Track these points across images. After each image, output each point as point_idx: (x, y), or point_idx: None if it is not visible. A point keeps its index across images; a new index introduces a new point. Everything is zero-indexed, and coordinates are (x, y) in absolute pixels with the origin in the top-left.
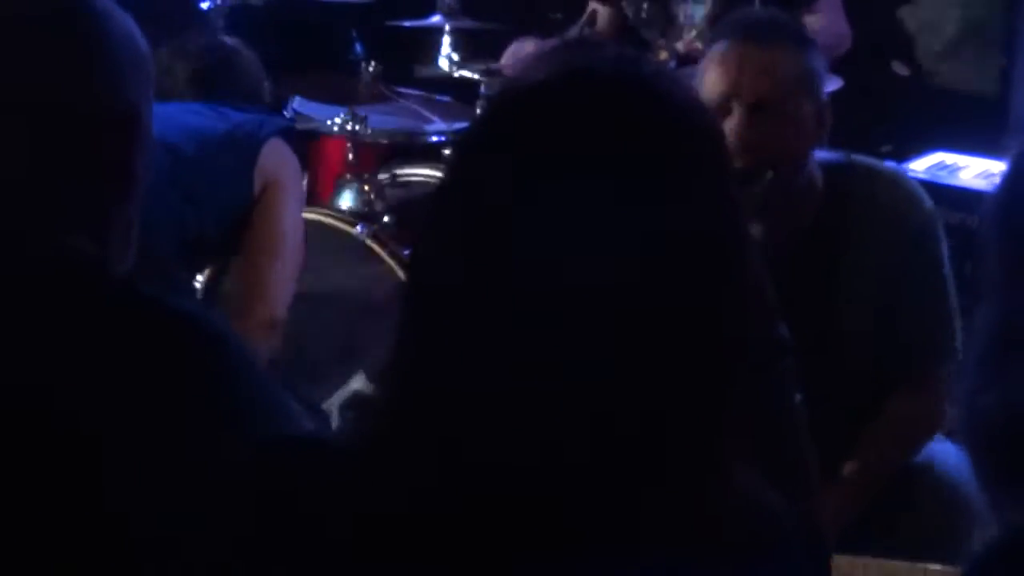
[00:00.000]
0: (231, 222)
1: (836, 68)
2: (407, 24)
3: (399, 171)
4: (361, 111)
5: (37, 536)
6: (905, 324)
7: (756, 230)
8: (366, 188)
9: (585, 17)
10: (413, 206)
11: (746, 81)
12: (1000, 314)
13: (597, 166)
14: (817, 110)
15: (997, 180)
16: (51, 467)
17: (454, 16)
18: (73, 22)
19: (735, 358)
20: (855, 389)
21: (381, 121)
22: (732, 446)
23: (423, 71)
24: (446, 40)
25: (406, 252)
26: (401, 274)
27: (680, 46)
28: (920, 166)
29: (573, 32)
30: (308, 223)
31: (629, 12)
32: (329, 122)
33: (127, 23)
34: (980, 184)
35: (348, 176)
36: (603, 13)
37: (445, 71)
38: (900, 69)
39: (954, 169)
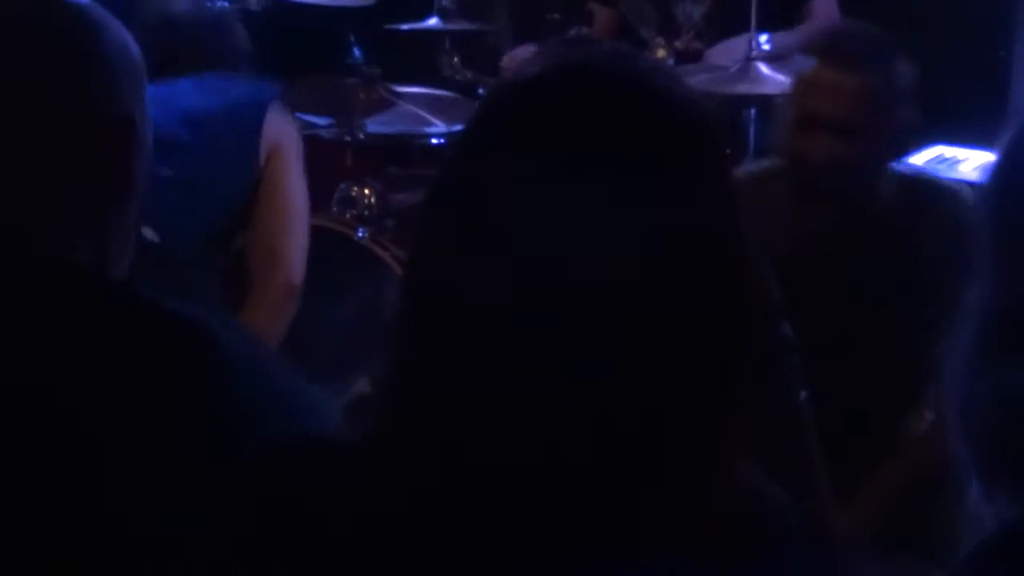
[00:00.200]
0: (244, 199)
1: None
2: (405, 27)
3: (399, 174)
4: (360, 115)
5: (37, 537)
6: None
7: (831, 243)
8: (366, 192)
9: (584, 18)
10: (414, 209)
11: (831, 106)
12: (993, 300)
13: (594, 163)
14: (899, 127)
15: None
16: (50, 469)
17: (452, 19)
18: (69, 32)
19: (736, 356)
20: (896, 391)
21: (380, 124)
22: (734, 445)
23: (422, 74)
24: (444, 43)
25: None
26: None
27: (679, 44)
28: (919, 159)
29: (571, 32)
30: (313, 229)
31: (626, 12)
32: (328, 126)
33: (121, 33)
34: (979, 177)
35: (348, 180)
36: (600, 13)
37: (444, 73)
38: None
39: (953, 162)
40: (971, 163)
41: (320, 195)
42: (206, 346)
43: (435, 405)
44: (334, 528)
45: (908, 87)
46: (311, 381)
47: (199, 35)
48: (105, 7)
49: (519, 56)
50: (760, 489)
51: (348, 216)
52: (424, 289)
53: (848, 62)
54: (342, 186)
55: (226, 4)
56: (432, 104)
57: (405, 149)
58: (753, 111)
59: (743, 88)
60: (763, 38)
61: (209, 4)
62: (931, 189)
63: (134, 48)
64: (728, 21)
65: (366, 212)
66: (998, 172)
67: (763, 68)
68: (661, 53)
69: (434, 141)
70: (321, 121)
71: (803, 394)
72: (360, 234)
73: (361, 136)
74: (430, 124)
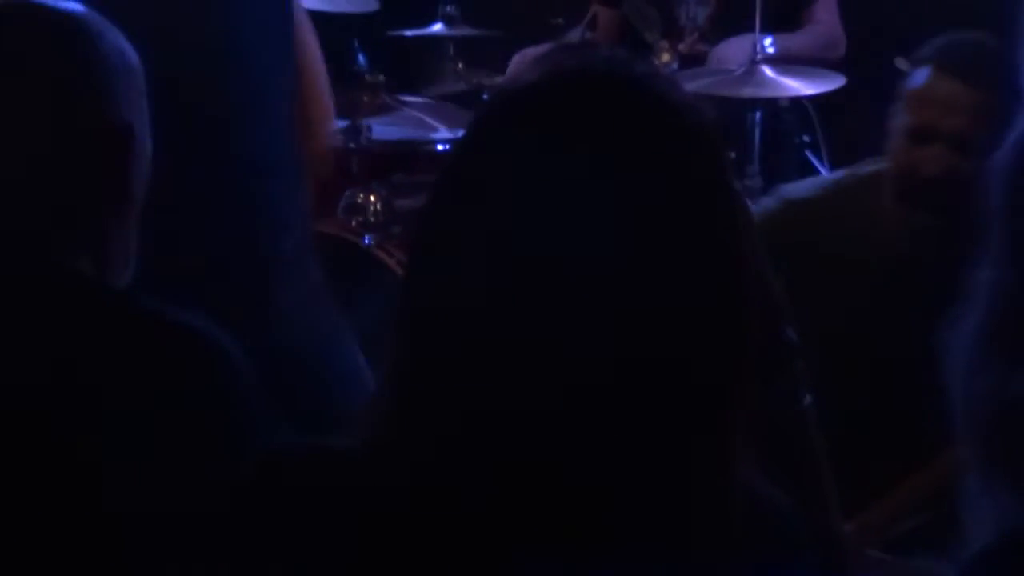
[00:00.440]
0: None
1: (837, 65)
2: (409, 34)
3: (405, 180)
4: (365, 121)
5: (36, 543)
6: None
7: (932, 253)
8: (372, 198)
9: (586, 21)
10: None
11: (946, 119)
12: (999, 289)
13: (592, 166)
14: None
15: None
16: (48, 475)
17: (455, 24)
18: (67, 39)
19: (736, 356)
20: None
21: (385, 131)
22: (736, 447)
23: (426, 80)
24: (449, 48)
25: None
26: None
27: (683, 47)
28: None
29: (574, 36)
30: (316, 235)
31: (630, 16)
32: (333, 134)
33: (119, 40)
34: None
35: (354, 187)
36: (604, 17)
37: (448, 79)
38: (903, 65)
39: None
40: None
41: (326, 202)
42: (208, 356)
43: (436, 407)
44: (336, 531)
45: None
46: None
47: None
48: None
49: (525, 58)
50: (762, 492)
51: (354, 223)
52: (425, 290)
53: (968, 75)
54: (348, 193)
55: None
56: (436, 109)
57: (410, 155)
58: (758, 114)
59: (748, 91)
60: (767, 41)
61: None
62: None
63: (132, 55)
64: (732, 23)
65: (372, 219)
66: (1008, 158)
67: (768, 71)
68: (665, 57)
69: (439, 147)
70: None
71: (807, 398)
72: (366, 241)
73: (366, 143)
74: (435, 130)
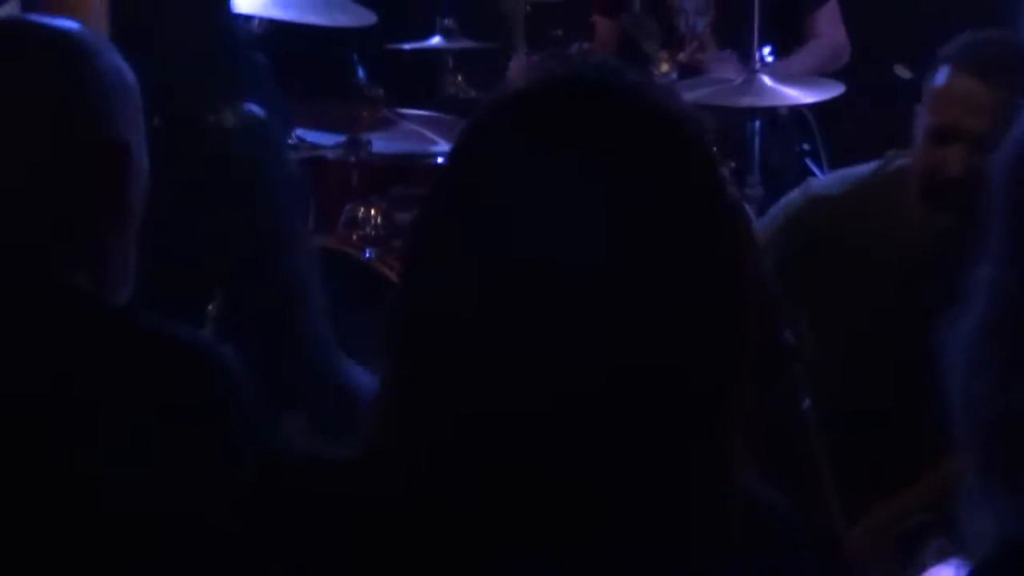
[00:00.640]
0: None
1: (838, 72)
2: (408, 47)
3: (404, 194)
4: (365, 136)
5: (36, 555)
6: None
7: (953, 251)
8: (372, 212)
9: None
10: None
11: (968, 119)
12: (999, 286)
13: (583, 173)
14: None
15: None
16: (48, 493)
17: (454, 37)
18: (64, 58)
19: (735, 360)
20: None
21: (385, 145)
22: (734, 450)
23: (426, 93)
24: (448, 61)
25: None
26: None
27: (682, 56)
28: None
29: (573, 47)
30: (321, 250)
31: (629, 27)
32: (333, 148)
33: (116, 58)
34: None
35: (354, 201)
36: (603, 27)
37: (447, 92)
38: (902, 72)
39: None
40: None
41: (327, 216)
42: (208, 369)
43: (431, 413)
44: (335, 536)
45: None
46: None
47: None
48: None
49: (520, 65)
50: (761, 495)
51: (355, 237)
52: (418, 297)
53: (988, 74)
54: (348, 207)
55: None
56: (436, 123)
57: (410, 169)
58: (757, 123)
59: (747, 100)
60: (766, 50)
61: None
62: None
63: (128, 73)
64: (732, 33)
65: (372, 232)
66: (1010, 156)
67: (767, 81)
68: (665, 67)
69: (439, 160)
70: (326, 142)
71: (807, 402)
72: (367, 254)
73: (366, 156)
74: (434, 143)
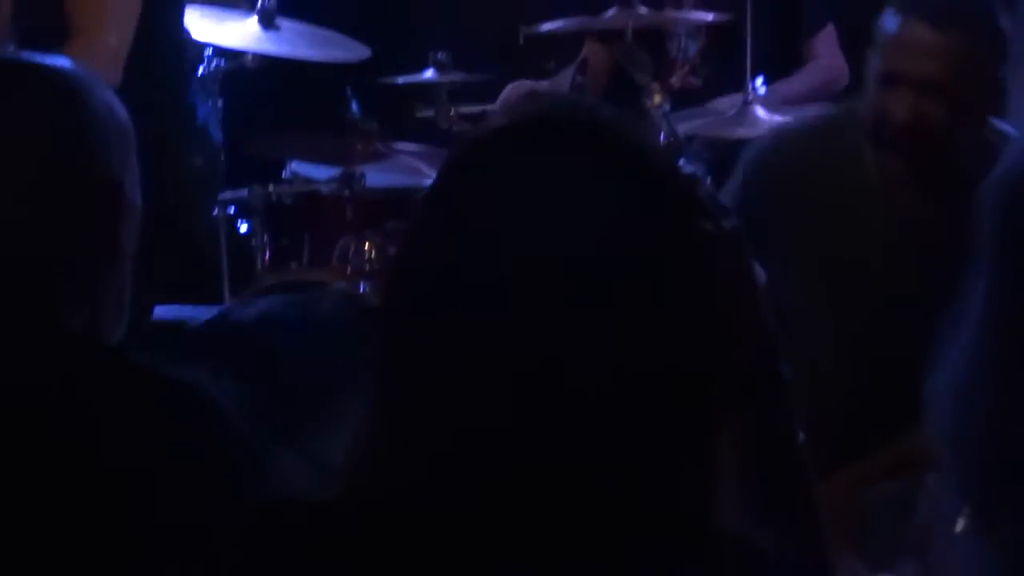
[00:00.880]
0: None
1: (835, 99)
2: (401, 81)
3: (399, 227)
4: (358, 169)
5: None
6: None
7: (920, 212)
8: (367, 246)
9: (577, 63)
10: None
11: (915, 64)
12: (998, 309)
13: (553, 211)
14: (991, 92)
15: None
16: (40, 535)
17: (447, 71)
18: (58, 97)
19: (720, 391)
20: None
21: (379, 178)
22: (717, 481)
23: (419, 126)
24: (441, 94)
25: None
26: None
27: (674, 80)
28: None
29: (565, 78)
30: (311, 284)
31: (620, 58)
32: (327, 182)
33: (109, 97)
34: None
35: (348, 235)
36: (596, 58)
37: (441, 126)
38: None
39: None
40: None
41: (321, 250)
42: (202, 412)
43: (419, 440)
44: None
45: (1003, 46)
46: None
47: None
48: None
49: (511, 94)
50: (744, 527)
51: (349, 271)
52: (400, 332)
53: (939, 20)
54: (342, 241)
55: (222, 62)
56: (429, 155)
57: (404, 202)
58: None
59: (741, 132)
60: (758, 81)
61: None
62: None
63: (121, 112)
64: (724, 56)
65: (367, 266)
66: (1001, 184)
67: (760, 112)
68: (657, 99)
69: None
70: (320, 176)
71: (801, 436)
72: (362, 288)
73: (360, 190)
74: (429, 177)
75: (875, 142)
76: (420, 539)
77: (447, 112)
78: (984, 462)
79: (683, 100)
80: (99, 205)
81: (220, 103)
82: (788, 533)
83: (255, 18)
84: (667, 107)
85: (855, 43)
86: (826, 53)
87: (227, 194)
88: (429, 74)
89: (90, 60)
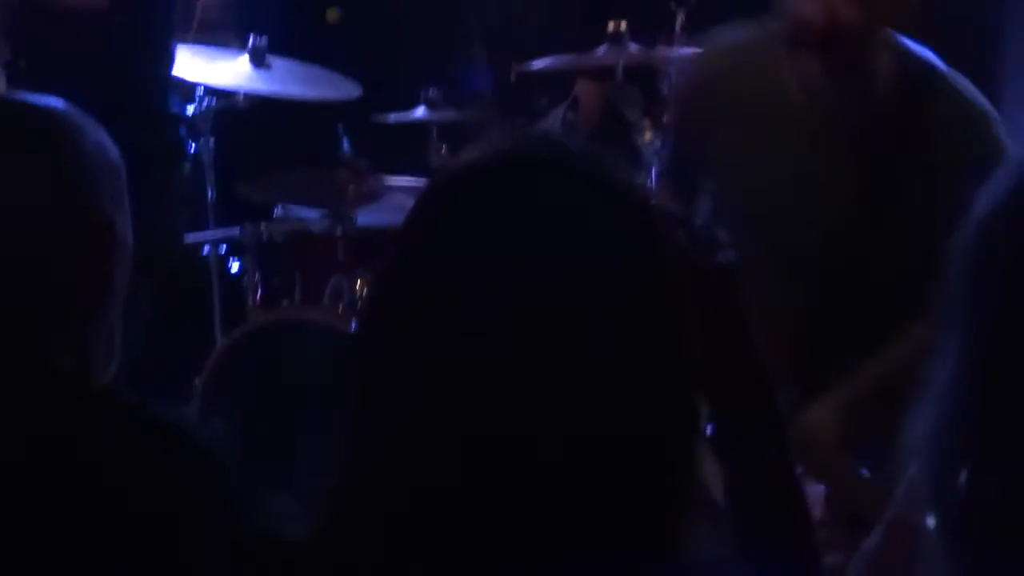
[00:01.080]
0: None
1: None
2: (392, 119)
3: None
4: (350, 207)
5: None
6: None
7: (827, 102)
8: (358, 284)
9: (568, 101)
10: None
11: None
12: (974, 372)
13: (521, 245)
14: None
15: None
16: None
17: (438, 109)
18: (50, 138)
19: (674, 427)
20: (894, 274)
21: (370, 216)
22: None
23: (411, 163)
24: (432, 132)
25: None
26: None
27: (666, 119)
28: None
29: (556, 116)
30: (305, 323)
31: (611, 96)
32: (319, 220)
33: (101, 137)
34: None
35: (340, 273)
36: (587, 96)
37: (432, 163)
38: None
39: None
40: None
41: (312, 289)
42: (191, 451)
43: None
44: None
45: None
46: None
47: None
48: None
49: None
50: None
51: (341, 309)
52: (371, 370)
53: None
54: (334, 279)
55: (213, 102)
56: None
57: None
58: None
59: None
60: None
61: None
62: (933, 75)
63: (112, 150)
64: None
65: (359, 305)
66: (969, 240)
67: None
68: (648, 135)
69: None
70: (311, 214)
71: (799, 470)
72: (354, 327)
73: (351, 229)
74: None
75: (792, 47)
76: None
77: (438, 150)
78: (961, 516)
79: None
80: (91, 244)
81: (212, 142)
82: (784, 559)
83: (246, 57)
84: (658, 144)
85: None
86: None
87: (218, 232)
88: (420, 112)
89: None
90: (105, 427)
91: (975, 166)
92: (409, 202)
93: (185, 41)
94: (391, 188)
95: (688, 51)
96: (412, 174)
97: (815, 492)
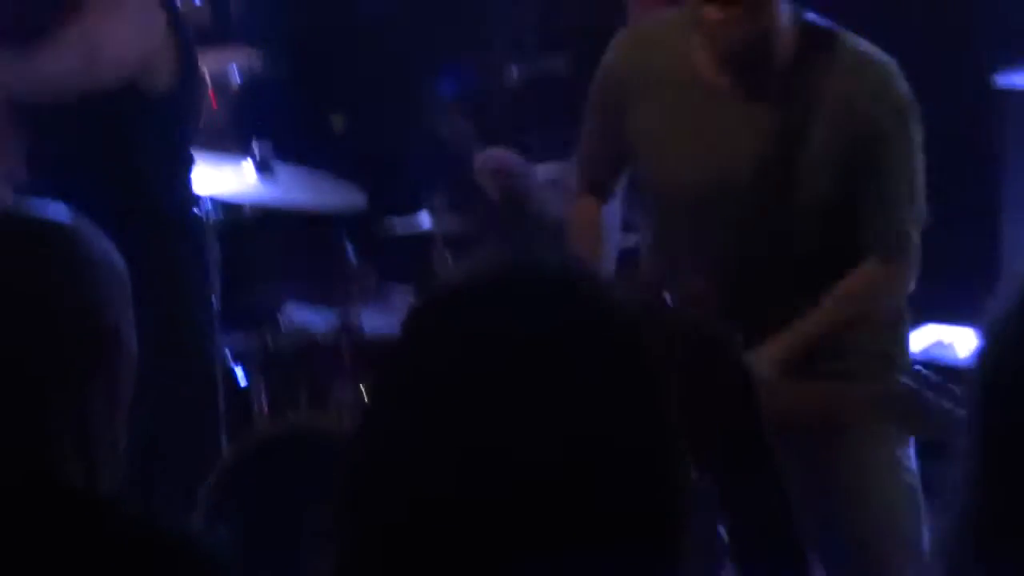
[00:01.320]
0: None
1: None
2: (397, 226)
3: None
4: (355, 316)
5: None
6: (873, 199)
7: (728, 63)
8: (364, 392)
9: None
10: None
11: None
12: (980, 512)
13: (510, 365)
14: None
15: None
16: None
17: (442, 217)
18: (57, 249)
19: (666, 542)
20: (804, 233)
21: (376, 323)
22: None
23: (416, 271)
24: (437, 241)
25: None
26: None
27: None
28: (916, 345)
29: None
30: (314, 432)
31: None
32: (324, 330)
33: (106, 245)
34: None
35: (345, 381)
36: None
37: (438, 270)
38: None
39: (951, 347)
40: (969, 345)
41: (318, 398)
42: (197, 567)
43: None
44: None
45: None
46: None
47: None
48: None
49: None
50: None
51: (347, 418)
52: (364, 484)
53: None
54: (340, 388)
55: (219, 213)
56: None
57: None
58: None
59: None
60: None
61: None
62: (833, 43)
63: (118, 259)
64: None
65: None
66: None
67: None
68: None
69: None
70: (317, 322)
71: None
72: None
73: (357, 337)
74: None
75: (695, 26)
76: None
77: (443, 257)
78: None
79: None
80: (97, 354)
81: (217, 250)
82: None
83: (251, 164)
84: None
85: None
86: None
87: (224, 340)
88: (425, 222)
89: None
90: (111, 541)
91: (877, 113)
92: None
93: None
94: (396, 295)
95: None
96: (417, 282)
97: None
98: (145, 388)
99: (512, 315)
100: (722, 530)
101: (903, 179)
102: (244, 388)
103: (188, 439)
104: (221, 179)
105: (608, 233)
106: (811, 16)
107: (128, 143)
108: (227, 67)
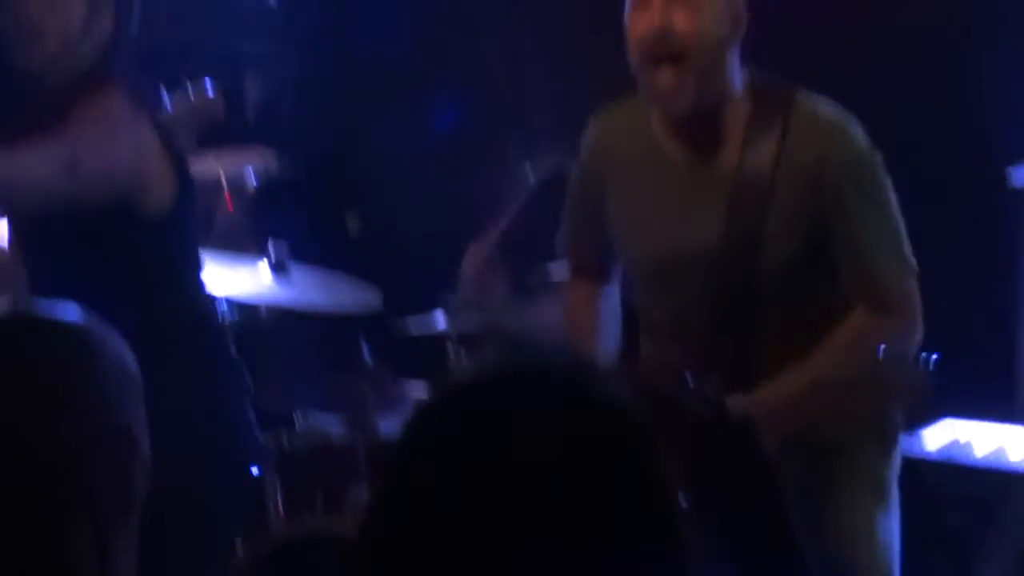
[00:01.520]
0: None
1: None
2: (412, 327)
3: None
4: (372, 416)
5: None
6: (851, 259)
7: (680, 140)
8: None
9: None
10: None
11: (649, 43)
12: None
13: (514, 470)
14: (731, 4)
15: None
16: None
17: (457, 315)
18: (70, 352)
19: None
20: (776, 288)
21: (391, 425)
22: None
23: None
24: (452, 339)
25: None
26: None
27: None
28: (933, 444)
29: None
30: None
31: None
32: (339, 430)
33: (119, 346)
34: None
35: (361, 484)
36: None
37: (453, 369)
38: None
39: (968, 445)
40: (986, 443)
41: (335, 501)
42: None
43: None
44: None
45: None
46: None
47: None
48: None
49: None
50: None
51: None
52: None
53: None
54: (356, 490)
55: (235, 315)
56: None
57: None
58: None
59: None
60: None
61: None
62: (787, 105)
63: (132, 361)
64: None
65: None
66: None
67: None
68: None
69: None
70: (332, 423)
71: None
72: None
73: (372, 438)
74: None
75: (649, 95)
76: None
77: (458, 357)
78: None
79: None
80: (111, 456)
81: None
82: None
83: (267, 265)
84: None
85: None
86: None
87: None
88: (439, 322)
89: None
90: None
91: (835, 173)
92: None
93: (204, 247)
94: (412, 396)
95: None
96: (432, 382)
97: None
98: (158, 491)
99: (513, 422)
100: None
101: (877, 234)
102: (259, 488)
103: (202, 539)
104: (237, 280)
105: (611, 316)
106: (765, 78)
107: (125, 262)
108: (243, 169)
